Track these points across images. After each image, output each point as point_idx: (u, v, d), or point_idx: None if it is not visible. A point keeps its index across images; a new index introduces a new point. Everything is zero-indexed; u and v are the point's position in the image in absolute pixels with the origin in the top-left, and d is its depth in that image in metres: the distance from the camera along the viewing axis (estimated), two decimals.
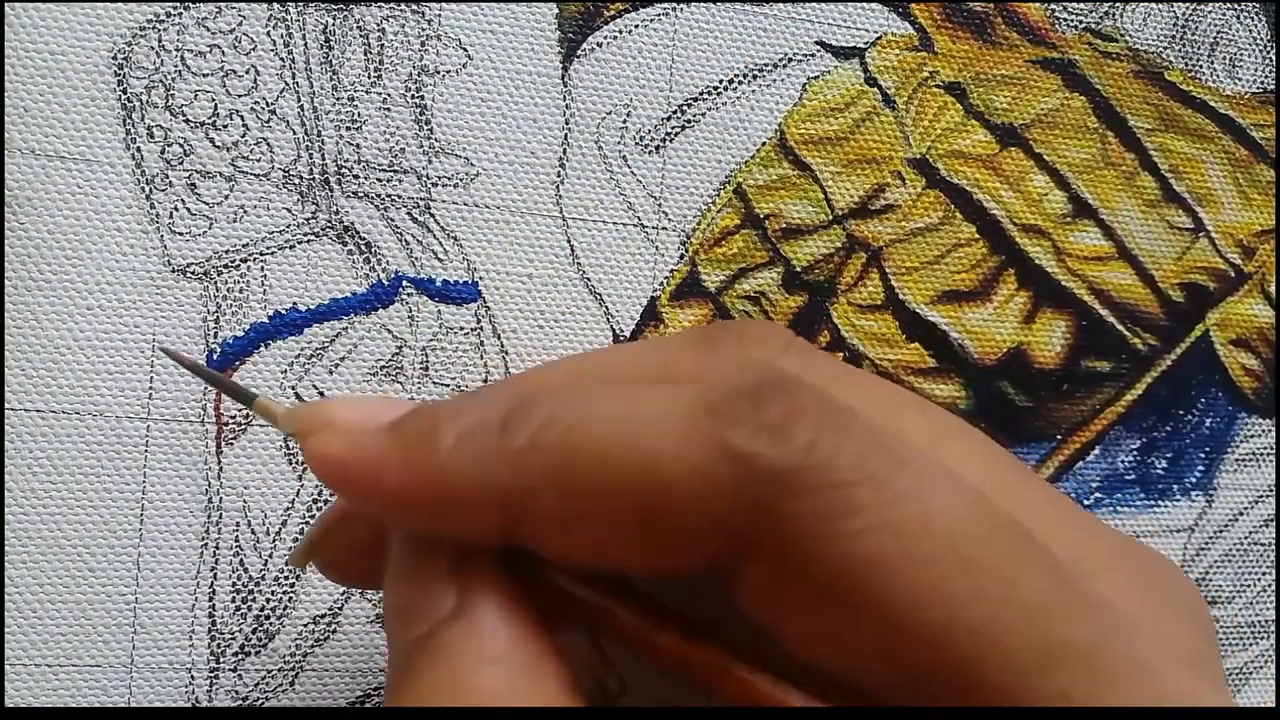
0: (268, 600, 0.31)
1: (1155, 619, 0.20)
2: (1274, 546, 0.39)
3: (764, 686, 0.18)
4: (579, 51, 0.32)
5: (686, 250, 0.33)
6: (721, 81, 0.33)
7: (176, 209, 0.30)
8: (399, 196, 0.31)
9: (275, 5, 0.30)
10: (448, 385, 0.32)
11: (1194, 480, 0.38)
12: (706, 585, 0.20)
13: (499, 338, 0.32)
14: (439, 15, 0.31)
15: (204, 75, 0.30)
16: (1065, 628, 0.17)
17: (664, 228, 0.33)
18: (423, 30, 0.31)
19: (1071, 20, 0.36)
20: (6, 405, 0.29)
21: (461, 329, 0.32)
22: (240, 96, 0.30)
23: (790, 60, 0.34)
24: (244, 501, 0.30)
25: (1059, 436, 0.37)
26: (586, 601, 0.20)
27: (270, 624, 0.31)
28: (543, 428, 0.18)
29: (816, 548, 0.17)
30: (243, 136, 0.30)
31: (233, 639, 0.30)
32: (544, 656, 0.19)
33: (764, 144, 0.34)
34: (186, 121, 0.30)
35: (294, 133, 0.30)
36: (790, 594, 0.18)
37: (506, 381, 0.22)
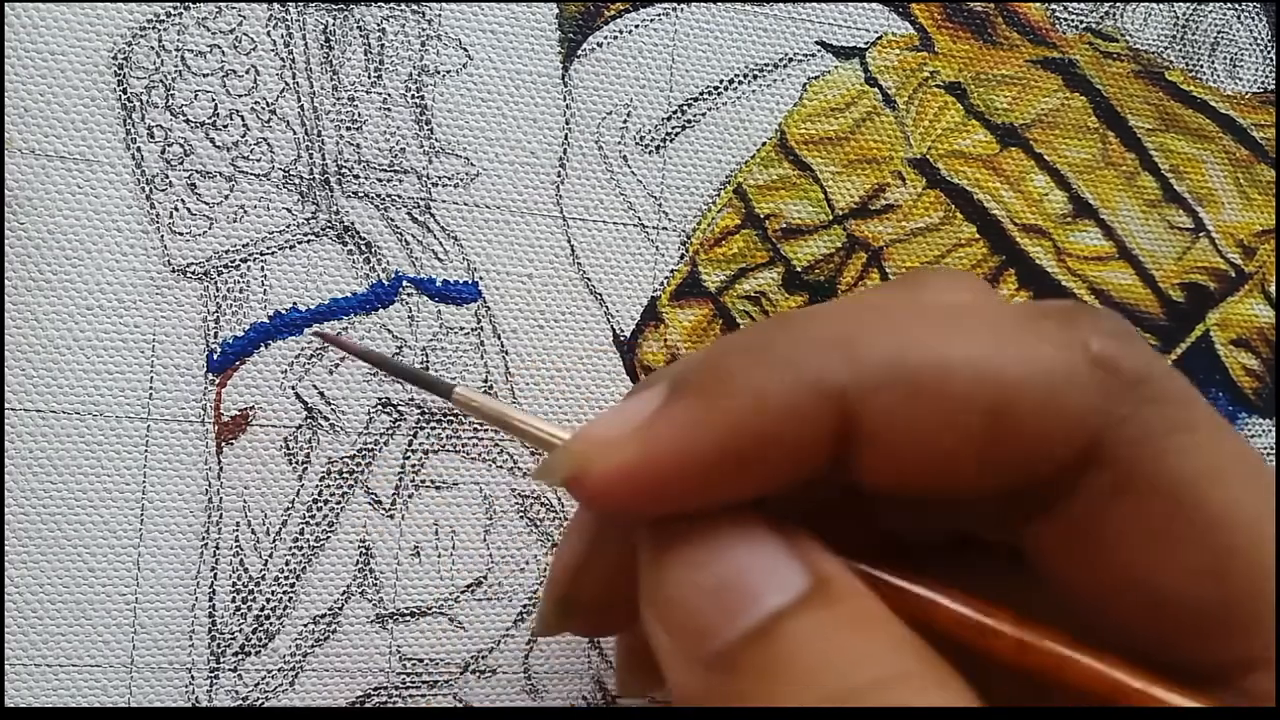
0: (268, 600, 0.31)
1: None
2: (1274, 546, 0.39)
3: (1130, 682, 0.17)
4: (579, 51, 0.32)
5: (687, 250, 0.33)
6: (721, 81, 0.33)
7: (176, 209, 0.30)
8: (399, 196, 0.31)
9: (275, 5, 0.30)
10: None
11: None
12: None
13: (499, 338, 0.32)
14: (439, 15, 0.31)
15: (204, 75, 0.30)
16: None
17: (664, 228, 0.33)
18: (423, 30, 0.31)
19: (1072, 20, 0.36)
20: (6, 405, 0.29)
21: (461, 329, 0.32)
22: (240, 96, 0.30)
23: (790, 60, 0.34)
24: (244, 501, 0.30)
25: None
26: (909, 594, 0.17)
27: (270, 624, 0.31)
28: (867, 327, 0.17)
29: (1165, 458, 0.17)
30: (243, 136, 0.30)
31: (233, 639, 0.30)
32: (915, 637, 0.16)
33: (764, 144, 0.34)
34: (186, 121, 0.30)
35: (294, 133, 0.30)
36: (1129, 508, 0.17)
37: (761, 323, 0.20)
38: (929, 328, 0.17)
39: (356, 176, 0.31)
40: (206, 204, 0.30)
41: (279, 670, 0.31)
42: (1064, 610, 0.18)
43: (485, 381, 0.32)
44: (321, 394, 0.31)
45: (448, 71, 0.31)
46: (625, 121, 0.33)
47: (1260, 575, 0.17)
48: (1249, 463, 0.18)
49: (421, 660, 0.32)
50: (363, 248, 0.31)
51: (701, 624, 0.16)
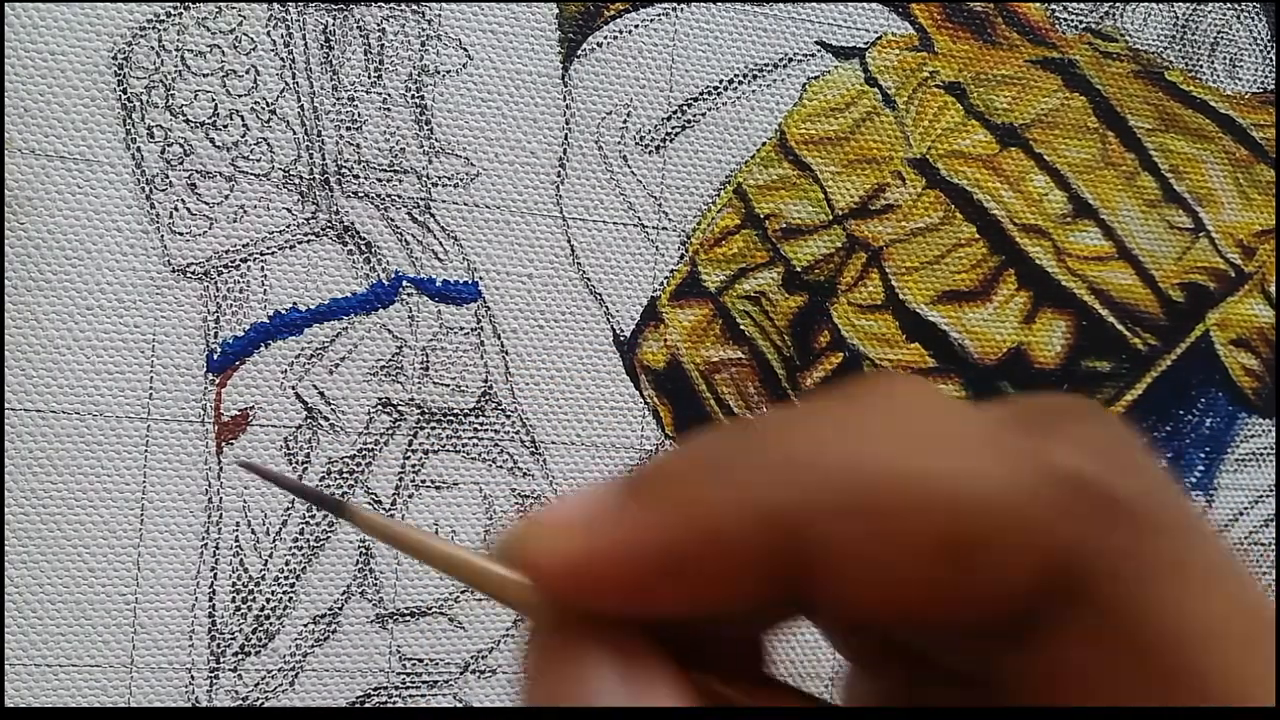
0: (268, 600, 0.31)
1: None
2: (1274, 546, 0.39)
3: None
4: (579, 51, 0.32)
5: (686, 250, 0.33)
6: (721, 81, 0.33)
7: (176, 209, 0.30)
8: (399, 196, 0.31)
9: (275, 5, 0.30)
10: (448, 385, 0.32)
11: (1194, 480, 0.38)
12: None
13: (499, 338, 0.32)
14: (439, 15, 0.31)
15: (204, 75, 0.30)
16: None
17: (664, 228, 0.33)
18: (423, 30, 0.31)
19: (1072, 20, 0.36)
20: (6, 405, 0.29)
21: (461, 329, 0.32)
22: (240, 96, 0.30)
23: (790, 60, 0.34)
24: (244, 501, 0.30)
25: None
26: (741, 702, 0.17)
27: (270, 624, 0.31)
28: (820, 448, 0.16)
29: (1147, 603, 0.15)
30: (243, 136, 0.30)
31: (233, 639, 0.30)
32: None
33: (764, 144, 0.34)
34: (186, 121, 0.30)
35: (294, 133, 0.30)
36: (1105, 655, 0.15)
37: (710, 432, 0.20)
38: (887, 446, 0.16)
39: (356, 176, 0.31)
40: (206, 204, 0.30)
41: (279, 670, 0.31)
42: None
43: (485, 381, 0.32)
44: (321, 394, 0.31)
45: (448, 71, 0.31)
46: (625, 121, 0.33)
47: None
48: (1248, 615, 0.15)
49: (421, 660, 0.32)
50: (363, 248, 0.31)
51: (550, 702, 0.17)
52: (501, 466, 0.32)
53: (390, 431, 0.31)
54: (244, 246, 0.30)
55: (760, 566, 0.16)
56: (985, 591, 0.16)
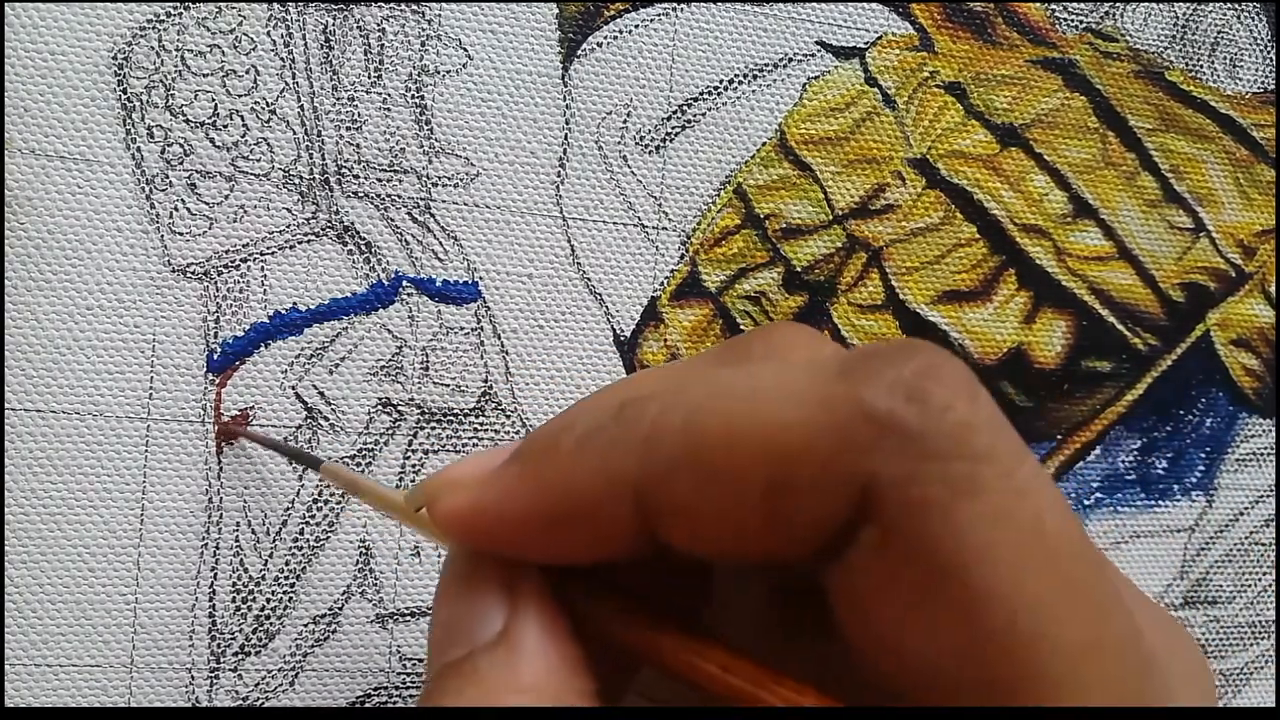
0: (268, 600, 0.31)
1: (1192, 687, 0.20)
2: (1274, 546, 0.39)
3: (806, 700, 0.18)
4: (579, 51, 0.32)
5: (687, 250, 0.33)
6: (721, 81, 0.33)
7: (176, 209, 0.30)
8: (399, 196, 0.31)
9: (275, 5, 0.30)
10: (448, 385, 0.32)
11: (1194, 480, 0.38)
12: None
13: (499, 338, 0.32)
14: (439, 15, 0.31)
15: (204, 75, 0.30)
16: (1139, 682, 0.17)
17: (664, 228, 0.33)
18: (423, 30, 0.31)
19: (1072, 20, 0.36)
20: (6, 405, 0.29)
21: (461, 329, 0.32)
22: (240, 96, 0.30)
23: (790, 60, 0.34)
24: (244, 501, 0.30)
25: (1059, 436, 0.36)
26: (626, 632, 0.20)
27: (270, 624, 0.31)
28: (663, 413, 0.18)
29: (935, 526, 0.16)
30: (243, 136, 0.30)
31: (233, 639, 0.30)
32: (577, 693, 0.19)
33: (764, 144, 0.34)
34: (186, 121, 0.30)
35: (294, 133, 0.30)
36: (891, 575, 0.17)
37: (609, 387, 0.22)
38: (724, 403, 0.18)
39: (356, 176, 0.31)
40: (206, 204, 0.30)
41: (279, 670, 0.31)
42: (843, 660, 0.18)
43: (485, 381, 0.32)
44: (321, 394, 0.31)
45: (448, 71, 0.31)
46: (625, 121, 0.33)
47: (1020, 658, 0.16)
48: (1037, 534, 0.16)
49: (421, 660, 0.32)
50: (363, 248, 0.31)
51: (443, 641, 0.20)
52: None
53: (390, 431, 0.31)
54: (244, 246, 0.30)
55: (618, 522, 0.18)
56: (801, 524, 0.17)
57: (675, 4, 0.33)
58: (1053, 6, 0.36)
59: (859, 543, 0.17)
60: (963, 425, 0.16)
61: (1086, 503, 0.37)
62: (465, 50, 0.31)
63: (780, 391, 0.17)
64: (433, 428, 0.31)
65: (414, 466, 0.31)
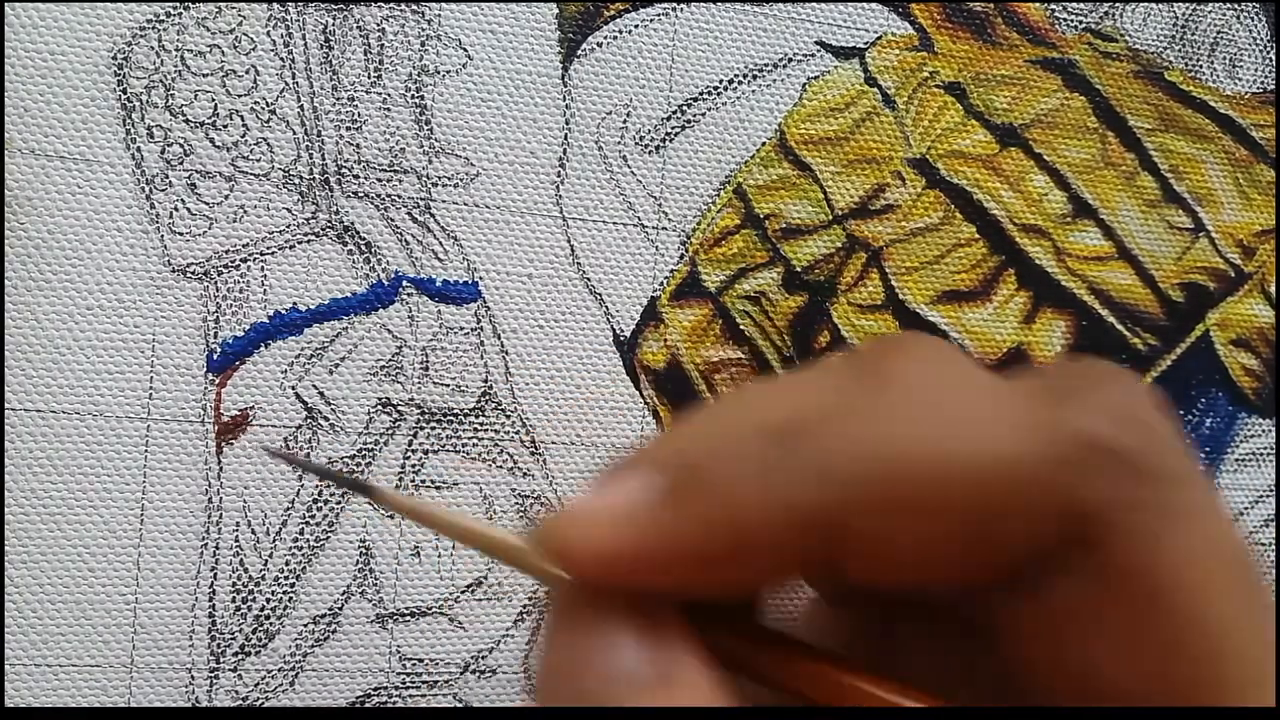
0: (268, 600, 0.31)
1: None
2: (1274, 546, 0.39)
3: None
4: (579, 51, 0.32)
5: (686, 250, 0.33)
6: (721, 81, 0.33)
7: (176, 209, 0.30)
8: (399, 196, 0.31)
9: (275, 5, 0.30)
10: (448, 385, 0.32)
11: None
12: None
13: (499, 338, 0.32)
14: (439, 15, 0.31)
15: (204, 75, 0.30)
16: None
17: (664, 228, 0.33)
18: (423, 30, 0.31)
19: (1071, 20, 0.36)
20: (6, 405, 0.29)
21: (461, 329, 0.32)
22: (240, 96, 0.30)
23: (790, 60, 0.34)
24: (244, 501, 0.30)
25: None
26: (768, 660, 0.18)
27: (270, 624, 0.31)
28: (842, 443, 0.17)
29: (1150, 551, 0.16)
30: (243, 136, 0.30)
31: (233, 639, 0.30)
32: None
33: (764, 144, 0.34)
34: (186, 121, 0.30)
35: (294, 133, 0.30)
36: (1099, 600, 0.16)
37: (726, 409, 0.20)
38: (923, 430, 0.17)
39: (356, 176, 0.31)
40: (206, 204, 0.30)
41: (279, 670, 0.31)
42: (1008, 681, 0.18)
43: (485, 381, 0.32)
44: (321, 394, 0.31)
45: (448, 71, 0.31)
46: (625, 121, 0.33)
47: (1211, 674, 0.16)
48: (1234, 558, 0.16)
49: (421, 660, 0.32)
50: (363, 248, 0.31)
51: (572, 682, 0.17)
52: (501, 466, 0.32)
53: (390, 431, 0.31)
54: (244, 246, 0.30)
55: (792, 556, 0.17)
56: (1005, 553, 0.16)
57: (675, 4, 0.33)
58: (1052, 6, 0.36)
59: (1068, 569, 0.17)
60: (1174, 450, 0.17)
61: None
62: (465, 50, 0.31)
63: (986, 418, 0.17)
64: (433, 428, 0.31)
65: (414, 466, 0.31)
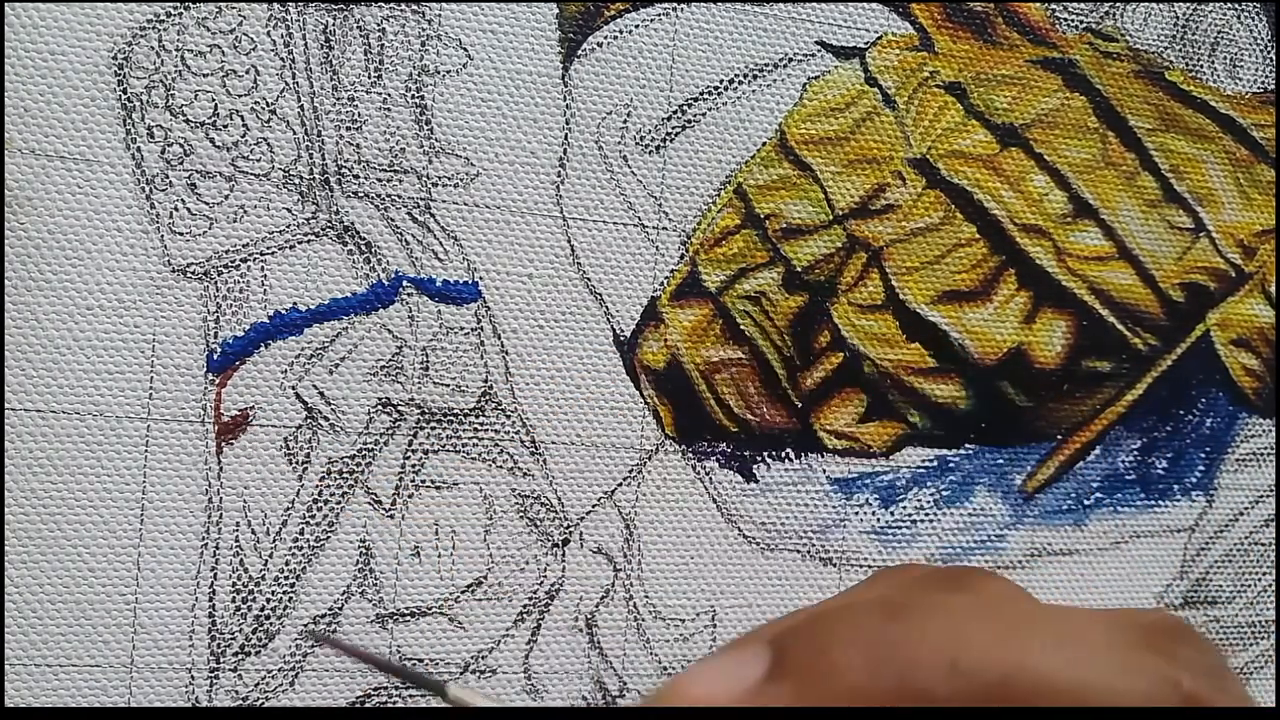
0: (268, 600, 0.31)
1: None
2: (1274, 546, 0.39)
3: None
4: (579, 51, 0.32)
5: (687, 250, 0.33)
6: (721, 81, 0.33)
7: (176, 209, 0.30)
8: (399, 196, 0.31)
9: (275, 5, 0.30)
10: (448, 385, 0.32)
11: (1194, 480, 0.38)
12: None
13: (499, 338, 0.32)
14: (439, 15, 0.31)
15: (204, 75, 0.30)
16: None
17: (664, 228, 0.33)
18: (423, 30, 0.31)
19: (1072, 20, 0.36)
20: (6, 405, 0.29)
21: (461, 329, 0.32)
22: (240, 96, 0.30)
23: (790, 60, 0.34)
24: (244, 501, 0.30)
25: (1059, 436, 0.36)
26: None
27: (270, 624, 0.31)
28: (971, 648, 0.18)
29: None
30: (243, 136, 0.30)
31: (233, 639, 0.30)
32: None
33: (764, 144, 0.34)
34: (186, 121, 0.30)
35: (294, 133, 0.30)
36: None
37: (852, 606, 0.21)
38: (1033, 645, 0.18)
39: (356, 176, 0.31)
40: (206, 204, 0.30)
41: (279, 670, 0.31)
42: None
43: (485, 381, 0.32)
44: (321, 394, 0.31)
45: (448, 71, 0.31)
46: (625, 121, 0.33)
47: None
48: None
49: (421, 660, 0.32)
50: (363, 248, 0.31)
51: None
52: (501, 466, 0.32)
53: (390, 431, 0.31)
54: (244, 246, 0.30)
55: None
56: None
57: (675, 4, 0.33)
58: (1053, 6, 0.36)
59: None
60: (1242, 702, 0.19)
61: (1086, 503, 0.37)
62: (465, 50, 0.31)
63: (1098, 648, 0.18)
64: (433, 428, 0.31)
65: (414, 466, 0.31)
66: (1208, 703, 0.18)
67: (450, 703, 0.20)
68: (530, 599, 0.32)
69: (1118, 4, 0.36)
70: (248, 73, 0.30)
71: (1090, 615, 0.20)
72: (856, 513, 0.35)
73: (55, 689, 0.29)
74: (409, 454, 0.31)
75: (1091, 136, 0.36)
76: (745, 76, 0.34)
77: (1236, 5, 0.37)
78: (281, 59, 0.30)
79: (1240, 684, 0.19)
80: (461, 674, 0.32)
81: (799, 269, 0.34)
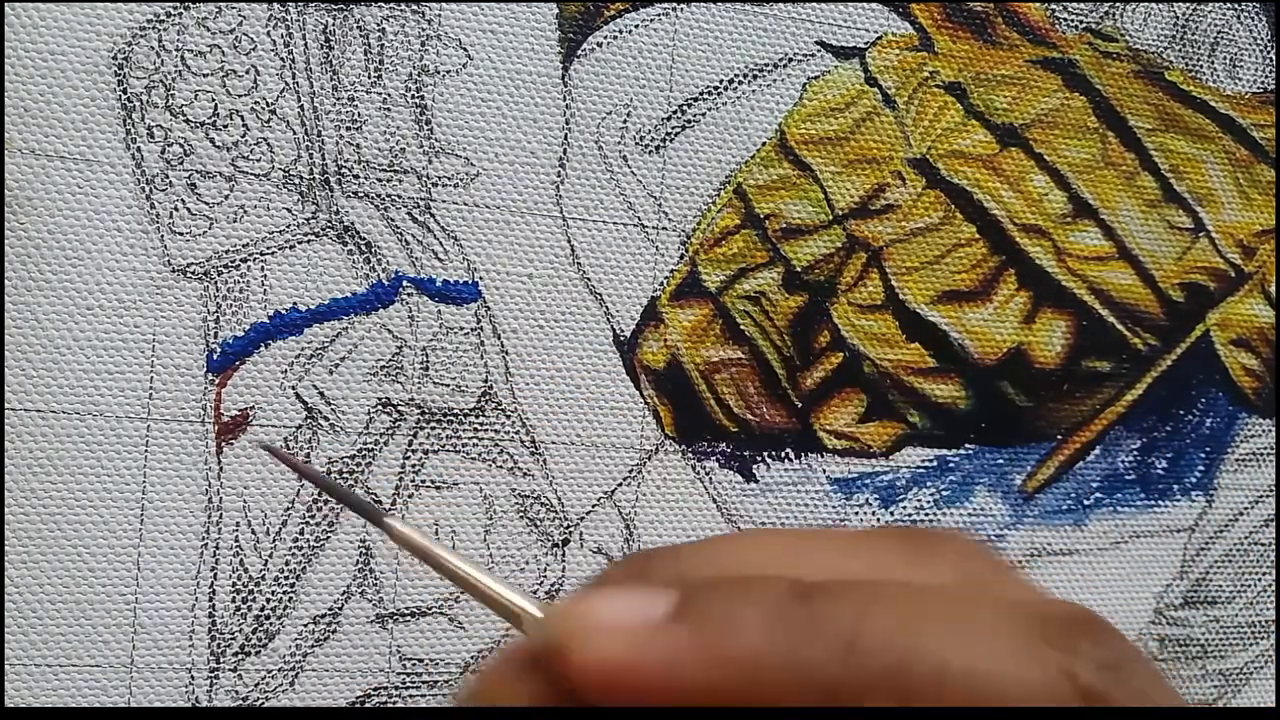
0: (268, 600, 0.31)
1: None
2: (1274, 546, 0.39)
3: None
4: (579, 51, 0.32)
5: (686, 250, 0.33)
6: (721, 81, 0.33)
7: (176, 209, 0.30)
8: (399, 196, 0.31)
9: (275, 5, 0.30)
10: (448, 385, 0.32)
11: (1194, 480, 0.38)
12: None
13: (499, 338, 0.32)
14: (439, 15, 0.31)
15: (204, 75, 0.30)
16: None
17: (664, 228, 0.33)
18: (423, 30, 0.31)
19: (1072, 20, 0.36)
20: (6, 405, 0.29)
21: (461, 329, 0.32)
22: (240, 96, 0.30)
23: (790, 60, 0.34)
24: (244, 501, 0.30)
25: (1059, 436, 0.36)
26: None
27: (270, 624, 0.31)
28: (866, 625, 0.18)
29: None
30: (243, 136, 0.30)
31: (233, 639, 0.30)
32: None
33: (764, 144, 0.34)
34: (186, 121, 0.30)
35: (294, 133, 0.30)
36: None
37: (754, 541, 0.21)
38: (933, 627, 0.18)
39: (356, 176, 0.31)
40: (206, 204, 0.30)
41: (279, 670, 0.31)
42: None
43: (485, 381, 0.32)
44: (321, 394, 0.31)
45: (448, 71, 0.31)
46: (625, 121, 0.33)
47: None
48: None
49: (421, 660, 0.32)
50: (363, 248, 0.31)
51: None
52: (501, 466, 0.32)
53: (390, 431, 0.31)
54: (244, 246, 0.30)
55: (791, 702, 0.18)
56: None
57: (675, 4, 0.33)
58: (1053, 6, 0.36)
59: None
60: (1155, 697, 0.19)
61: (1086, 503, 0.37)
62: (465, 50, 0.31)
63: (995, 642, 0.19)
64: (433, 428, 0.31)
65: (414, 466, 0.31)
66: (1104, 697, 0.18)
67: (387, 533, 0.20)
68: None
69: (1118, 4, 0.36)
70: (248, 73, 0.30)
71: (997, 603, 0.20)
72: (856, 513, 0.35)
73: (55, 689, 0.29)
74: (409, 454, 0.31)
75: (1091, 136, 0.36)
76: (745, 76, 0.34)
77: (1236, 5, 0.37)
78: (281, 59, 0.30)
79: (1153, 678, 0.19)
80: (461, 674, 0.32)
81: (799, 269, 0.34)
